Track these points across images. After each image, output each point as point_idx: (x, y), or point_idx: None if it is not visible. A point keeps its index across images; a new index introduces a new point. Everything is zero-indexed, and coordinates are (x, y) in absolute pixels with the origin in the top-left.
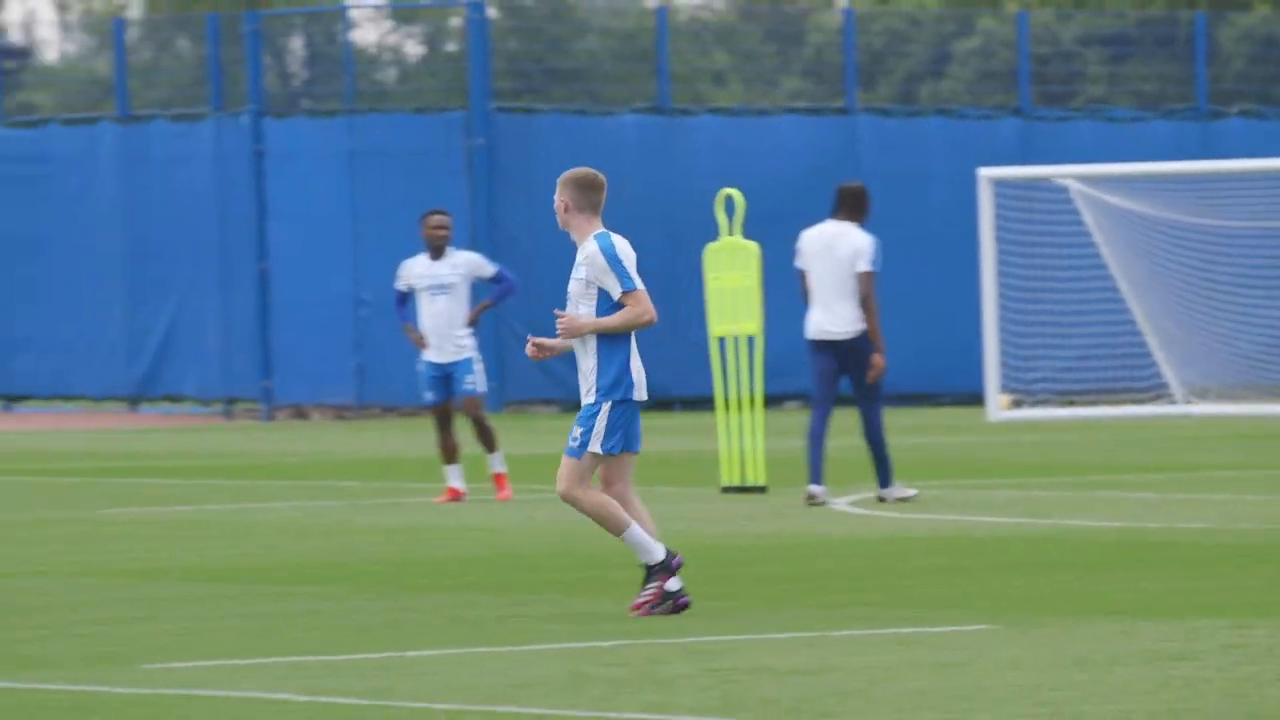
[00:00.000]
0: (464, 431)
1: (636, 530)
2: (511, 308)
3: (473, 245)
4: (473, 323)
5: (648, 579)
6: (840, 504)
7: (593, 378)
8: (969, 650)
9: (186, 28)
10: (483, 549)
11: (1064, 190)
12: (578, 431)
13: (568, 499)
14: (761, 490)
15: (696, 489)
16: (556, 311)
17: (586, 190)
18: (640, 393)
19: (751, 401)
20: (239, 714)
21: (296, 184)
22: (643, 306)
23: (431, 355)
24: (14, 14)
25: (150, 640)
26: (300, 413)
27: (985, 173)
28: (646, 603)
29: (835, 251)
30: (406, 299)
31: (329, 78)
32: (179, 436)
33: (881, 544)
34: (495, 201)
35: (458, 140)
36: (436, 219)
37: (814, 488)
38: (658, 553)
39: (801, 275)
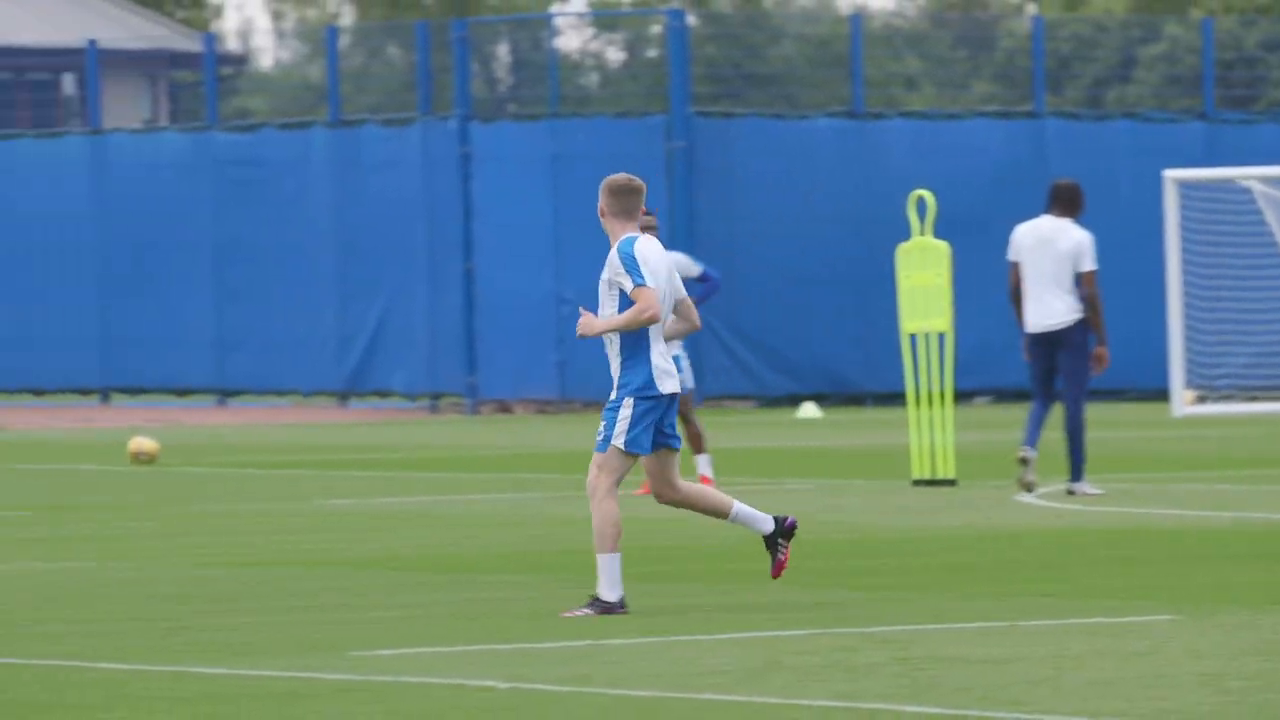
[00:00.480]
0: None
1: (617, 560)
2: (709, 306)
3: (670, 245)
4: None
5: (769, 546)
6: (1030, 497)
7: (618, 376)
8: (1153, 640)
9: (397, 35)
10: (680, 539)
11: (1247, 191)
12: (601, 426)
13: (589, 491)
14: (951, 484)
15: (888, 482)
16: (581, 308)
17: (619, 196)
18: (666, 387)
19: (942, 397)
20: (444, 700)
21: (501, 186)
22: (645, 303)
23: None
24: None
25: (358, 628)
26: (504, 407)
27: (1170, 174)
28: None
29: (1054, 246)
30: None
31: (533, 83)
32: (386, 430)
33: (1069, 536)
34: (694, 203)
35: (658, 143)
36: (645, 219)
37: (1026, 450)
38: (613, 592)
39: (1013, 267)
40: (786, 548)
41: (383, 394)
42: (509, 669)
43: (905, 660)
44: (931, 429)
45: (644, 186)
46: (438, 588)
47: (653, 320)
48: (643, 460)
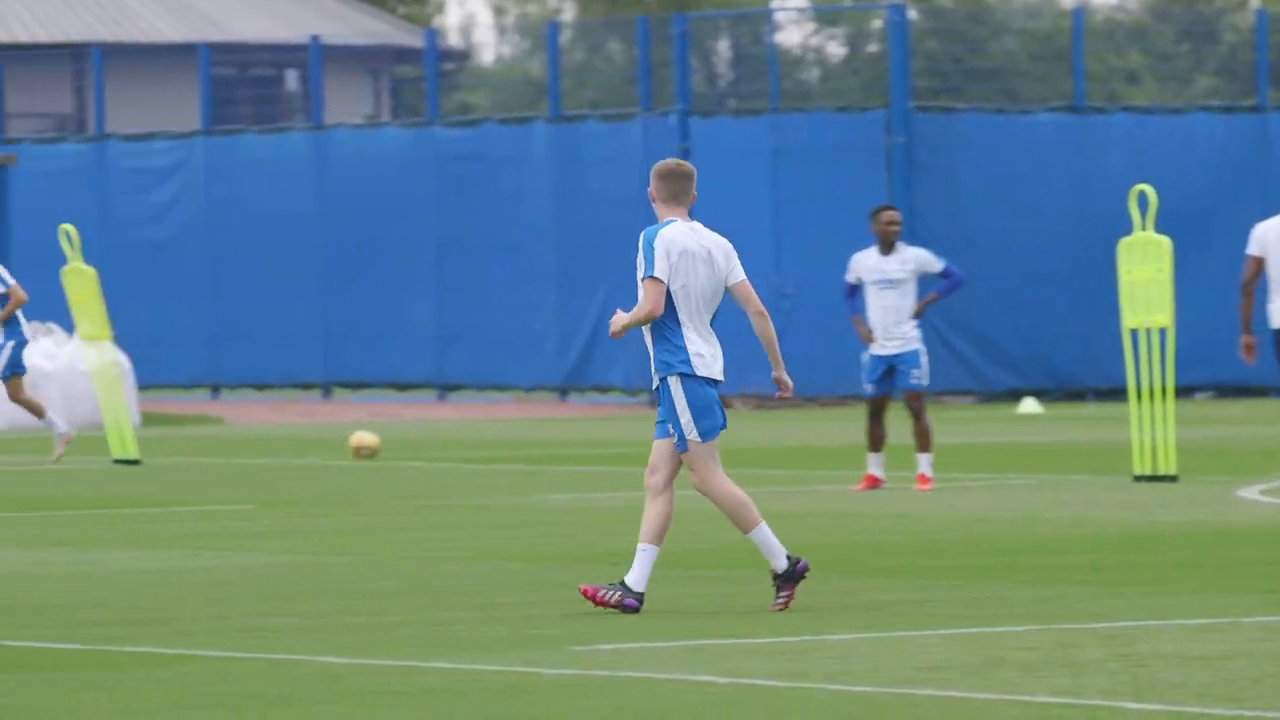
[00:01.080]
0: (897, 424)
1: (766, 531)
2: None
3: None
4: (918, 315)
5: (778, 584)
6: (1251, 492)
7: (652, 365)
8: None
9: (617, 30)
10: (899, 535)
11: None
12: (670, 428)
13: (701, 490)
14: (1173, 480)
15: (1109, 477)
16: (619, 310)
17: (665, 179)
18: (703, 370)
19: (1163, 392)
20: (663, 695)
21: (721, 181)
22: (644, 296)
23: (877, 348)
24: (453, 18)
25: (578, 623)
26: (723, 402)
27: None
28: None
29: None
30: (856, 291)
31: (753, 78)
32: (606, 425)
33: None
34: (914, 198)
35: (878, 138)
36: (888, 214)
37: None
38: (781, 560)
39: (1256, 262)
40: (791, 594)
41: (602, 389)
42: (728, 664)
43: (1126, 656)
44: (1153, 424)
45: (693, 171)
46: (656, 582)
47: (649, 315)
48: (658, 444)
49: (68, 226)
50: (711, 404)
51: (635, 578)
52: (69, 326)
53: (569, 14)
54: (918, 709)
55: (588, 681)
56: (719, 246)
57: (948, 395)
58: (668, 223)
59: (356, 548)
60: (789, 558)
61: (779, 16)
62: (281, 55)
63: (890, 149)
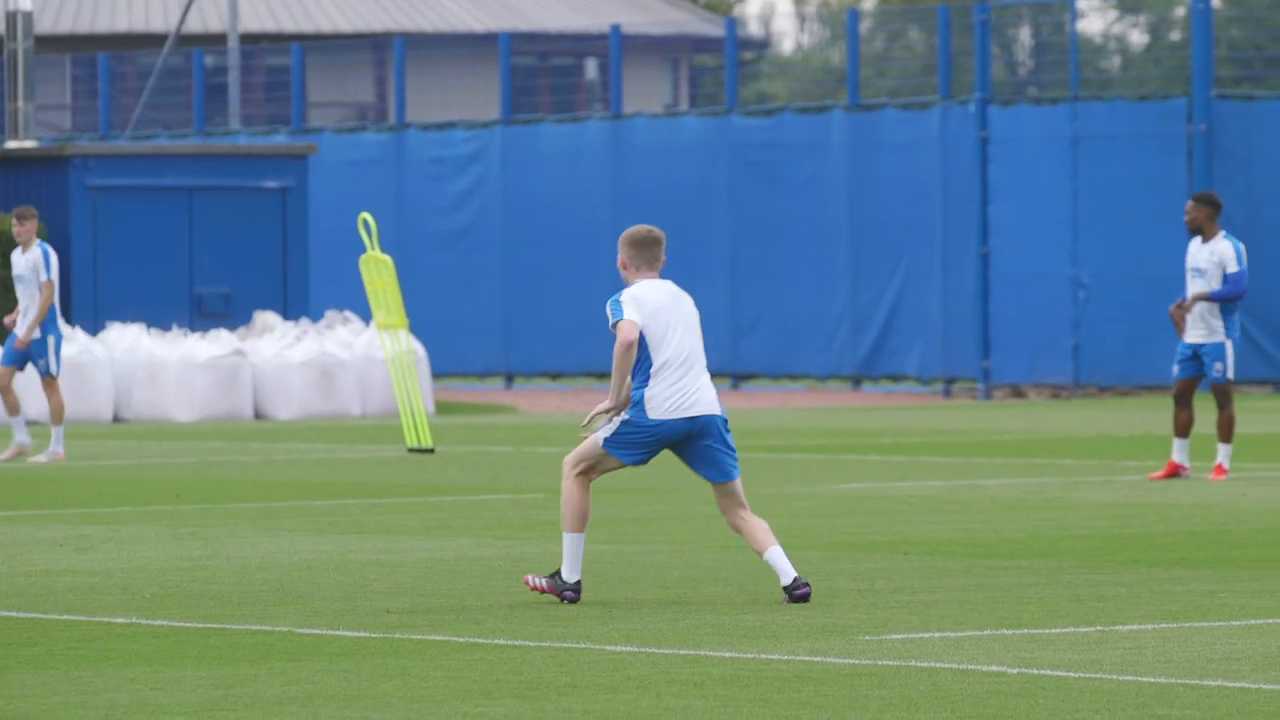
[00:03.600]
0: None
1: (578, 541)
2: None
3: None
4: (1187, 309)
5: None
6: None
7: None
8: None
9: (917, 19)
10: (1193, 525)
11: None
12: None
13: (564, 469)
14: None
15: None
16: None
17: (639, 247)
18: (656, 413)
19: None
20: (953, 685)
21: (1020, 169)
22: (618, 338)
23: (1185, 335)
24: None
25: (869, 612)
26: (1017, 392)
27: None
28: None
29: None
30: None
31: (1054, 66)
32: (900, 414)
33: None
34: (1214, 185)
35: (1179, 126)
36: (1188, 204)
37: None
38: (571, 574)
39: None
40: (548, 589)
41: (896, 378)
42: (1018, 654)
43: None
44: None
45: (663, 237)
46: (949, 573)
47: (623, 347)
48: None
49: (366, 215)
50: (639, 441)
51: (570, 566)
52: (365, 315)
53: (869, 2)
54: (1208, 699)
55: (876, 671)
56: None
57: (1244, 385)
58: (636, 285)
59: (647, 536)
60: (570, 581)
61: (1081, 4)
62: (582, 44)
63: (1191, 137)
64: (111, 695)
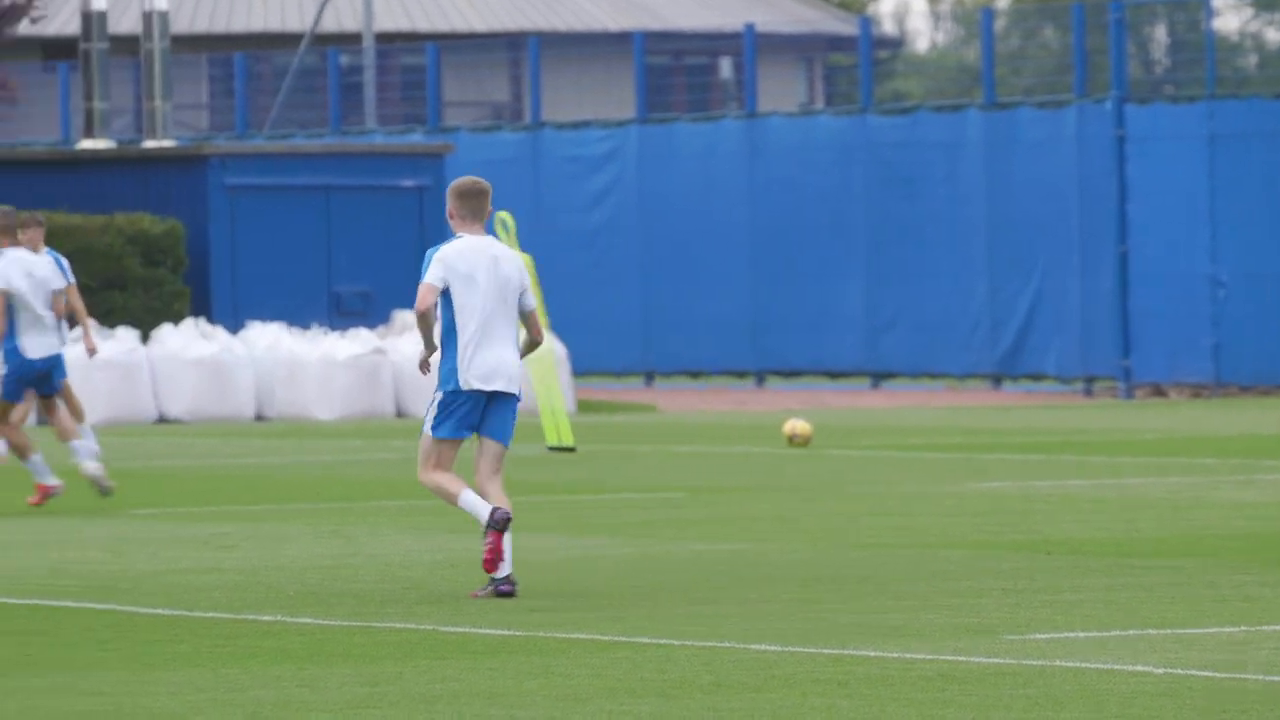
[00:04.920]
0: None
1: (468, 496)
2: None
3: None
4: None
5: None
6: None
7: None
8: None
9: (1052, 16)
10: None
11: None
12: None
13: (421, 482)
14: None
15: None
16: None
17: (461, 198)
18: (469, 383)
19: None
20: (1097, 685)
21: (1156, 168)
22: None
23: None
24: (887, 5)
25: (1012, 612)
26: (1158, 391)
27: None
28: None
29: None
30: None
31: (1190, 64)
32: (1040, 414)
33: None
34: None
35: None
36: None
37: None
38: (483, 512)
39: None
40: (492, 543)
41: (1036, 377)
42: (1164, 654)
43: None
44: None
45: (488, 189)
46: (1091, 572)
47: (417, 312)
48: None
49: (504, 214)
50: (465, 411)
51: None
52: None
53: (1004, 0)
54: None
55: (1020, 671)
56: (512, 258)
57: None
58: (454, 239)
59: (788, 535)
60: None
61: (1216, 3)
62: (716, 43)
63: None
64: (258, 693)
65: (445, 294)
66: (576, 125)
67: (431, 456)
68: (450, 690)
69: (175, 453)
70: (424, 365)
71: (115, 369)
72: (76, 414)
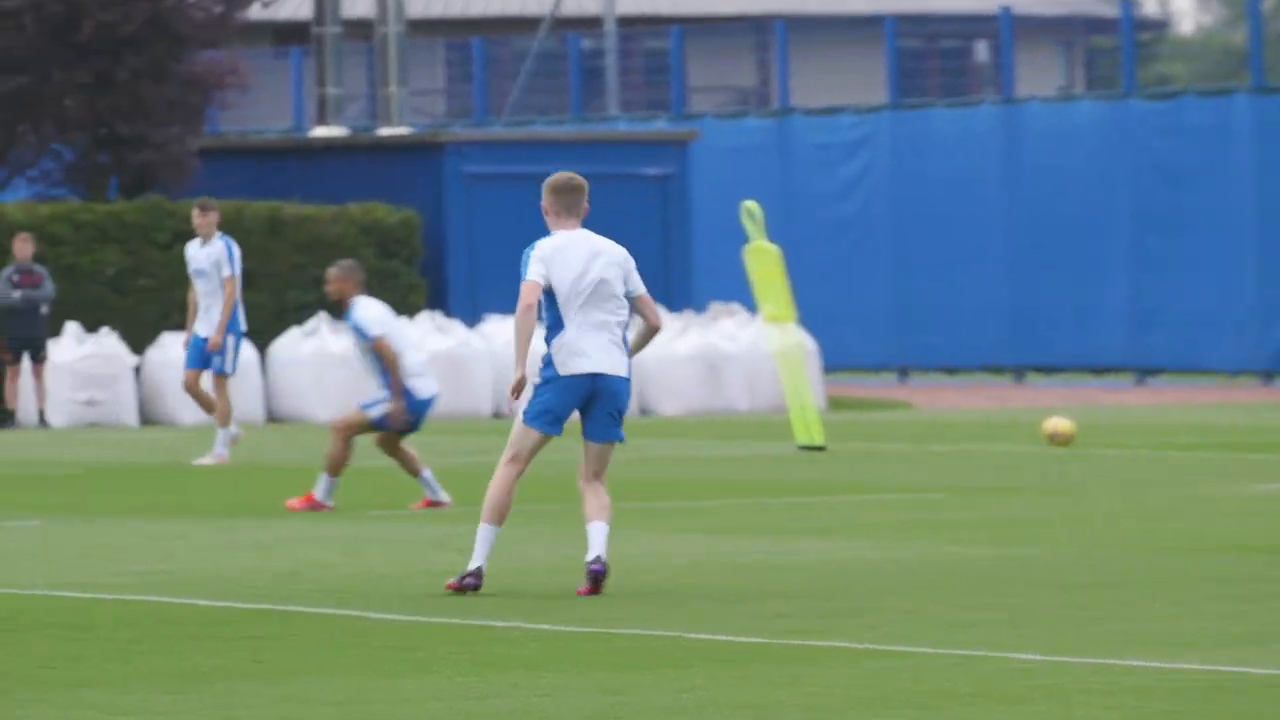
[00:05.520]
0: None
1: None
2: None
3: None
4: None
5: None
6: None
7: None
8: None
9: None
10: None
11: None
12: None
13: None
14: None
15: None
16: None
17: (556, 194)
18: (567, 367)
19: None
20: None
21: None
22: (520, 297)
23: None
24: None
25: None
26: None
27: None
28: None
29: None
30: None
31: None
32: None
33: None
34: None
35: None
36: None
37: None
38: (474, 561)
39: None
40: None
41: None
42: None
43: None
44: None
45: (584, 184)
46: None
47: (520, 310)
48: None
49: (750, 204)
50: (552, 397)
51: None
52: (752, 307)
53: None
54: None
55: None
56: (611, 248)
57: None
58: (551, 236)
59: (1050, 538)
60: (473, 571)
61: None
62: (970, 26)
63: None
64: (495, 702)
65: (547, 291)
66: (826, 111)
67: (513, 445)
68: (695, 700)
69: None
70: (516, 390)
71: (349, 364)
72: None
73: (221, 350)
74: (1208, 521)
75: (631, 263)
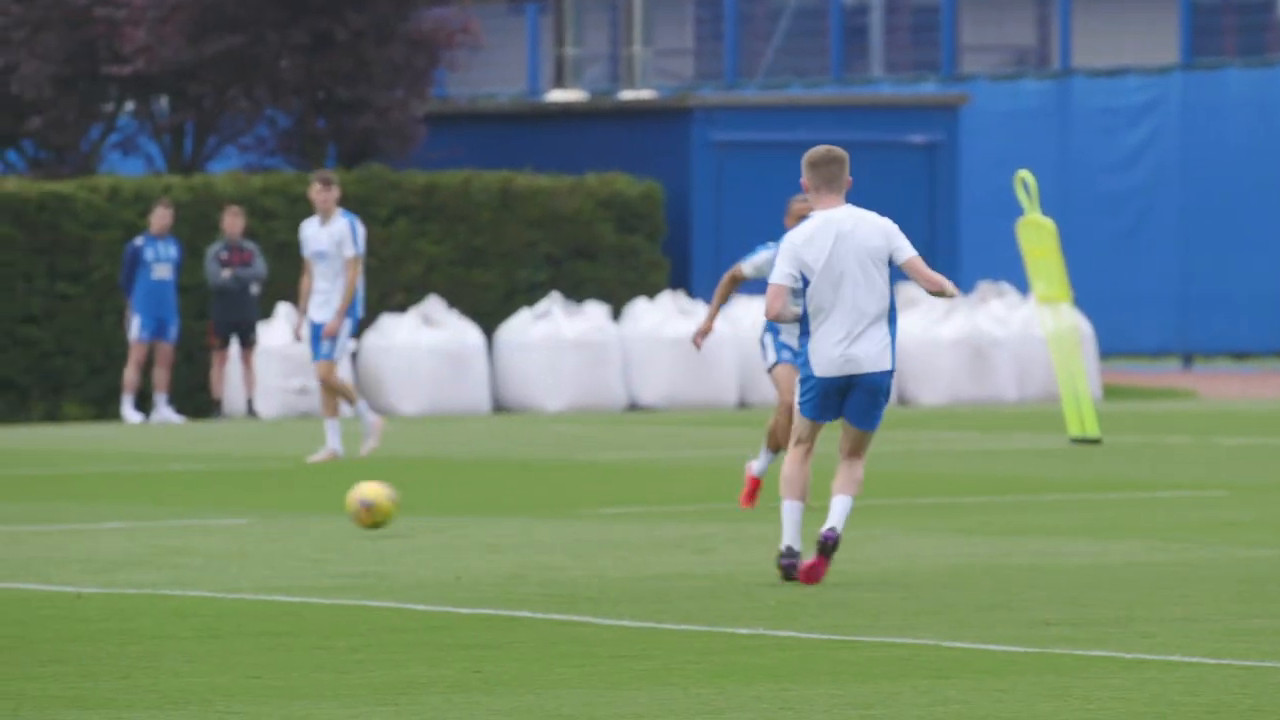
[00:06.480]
0: None
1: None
2: None
3: None
4: None
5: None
6: None
7: None
8: None
9: None
10: None
11: None
12: None
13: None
14: None
15: None
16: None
17: (813, 167)
18: (823, 371)
19: None
20: None
21: None
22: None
23: None
24: None
25: None
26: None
27: None
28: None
29: None
30: None
31: None
32: None
33: None
34: None
35: None
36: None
37: None
38: (786, 540)
39: None
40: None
41: None
42: None
43: None
44: None
45: (845, 156)
46: None
47: (767, 317)
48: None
49: (1024, 173)
50: (813, 395)
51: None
52: (1023, 286)
53: None
54: None
55: None
56: (868, 223)
57: None
58: (805, 220)
59: None
60: (788, 549)
61: None
62: None
63: None
64: (735, 715)
65: (803, 279)
66: (1111, 72)
67: (796, 432)
68: (953, 713)
69: (648, 443)
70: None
71: (583, 349)
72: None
73: (334, 336)
74: None
75: (894, 234)
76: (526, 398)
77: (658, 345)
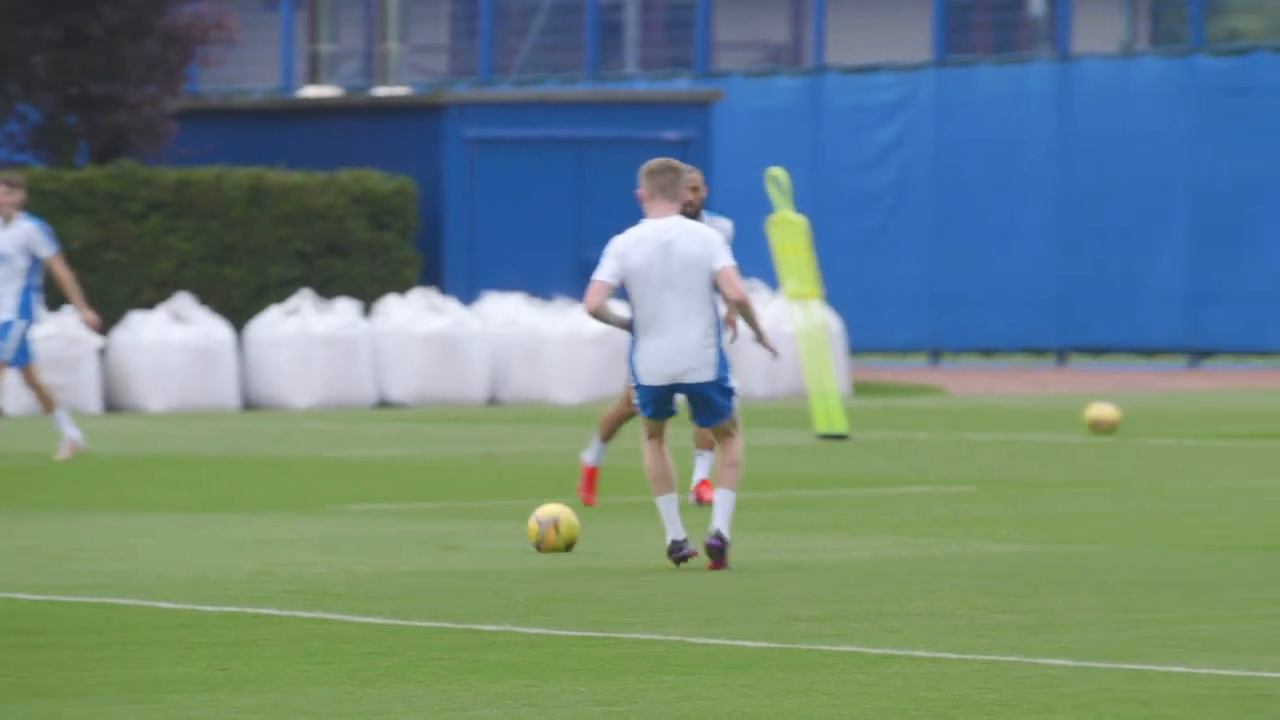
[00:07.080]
0: None
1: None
2: None
3: None
4: None
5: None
6: None
7: None
8: None
9: None
10: None
11: None
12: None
13: None
14: None
15: None
16: None
17: (650, 175)
18: (648, 378)
19: None
20: None
21: None
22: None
23: None
24: None
25: None
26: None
27: None
28: None
29: None
30: None
31: None
32: None
33: None
34: None
35: None
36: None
37: None
38: (671, 533)
39: None
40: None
41: None
42: None
43: None
44: None
45: (681, 167)
46: None
47: (586, 312)
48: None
49: (776, 170)
50: (648, 401)
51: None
52: (773, 282)
53: None
54: None
55: None
56: (691, 234)
57: None
58: (639, 225)
59: (1090, 535)
60: (677, 541)
61: None
62: None
63: None
64: (480, 712)
65: (625, 288)
66: (863, 70)
67: (644, 429)
68: (698, 709)
69: (397, 440)
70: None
71: (333, 345)
72: None
73: (4, 335)
74: (1261, 517)
75: (717, 245)
76: (276, 394)
77: (408, 341)
